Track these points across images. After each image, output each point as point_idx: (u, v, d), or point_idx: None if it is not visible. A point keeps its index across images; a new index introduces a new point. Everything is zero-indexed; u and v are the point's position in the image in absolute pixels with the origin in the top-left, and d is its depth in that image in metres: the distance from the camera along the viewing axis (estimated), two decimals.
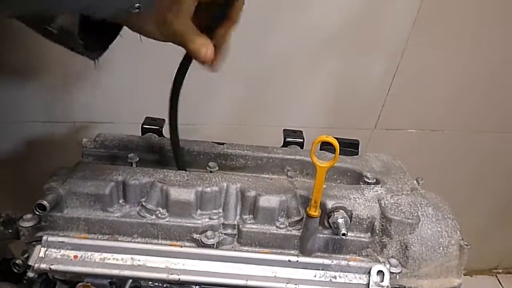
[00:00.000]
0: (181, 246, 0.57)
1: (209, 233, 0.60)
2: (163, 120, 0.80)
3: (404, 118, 1.23)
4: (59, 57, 0.98)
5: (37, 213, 0.57)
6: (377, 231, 0.62)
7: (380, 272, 0.56)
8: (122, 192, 0.62)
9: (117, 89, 1.05)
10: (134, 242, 0.60)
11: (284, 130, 0.83)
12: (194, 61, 0.56)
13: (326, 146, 0.76)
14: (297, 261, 0.56)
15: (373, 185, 0.68)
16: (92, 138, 0.74)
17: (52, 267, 0.54)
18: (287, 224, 0.61)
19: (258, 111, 1.14)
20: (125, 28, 0.53)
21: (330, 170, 0.56)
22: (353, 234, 0.62)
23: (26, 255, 0.57)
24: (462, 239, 0.62)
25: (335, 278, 0.57)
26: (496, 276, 1.76)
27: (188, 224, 0.61)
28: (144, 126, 0.78)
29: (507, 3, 1.05)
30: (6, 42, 0.95)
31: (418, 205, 0.63)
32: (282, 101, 1.13)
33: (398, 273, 0.59)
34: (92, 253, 0.55)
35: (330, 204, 0.61)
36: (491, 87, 1.20)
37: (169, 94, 0.61)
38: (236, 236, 0.62)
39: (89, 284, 0.56)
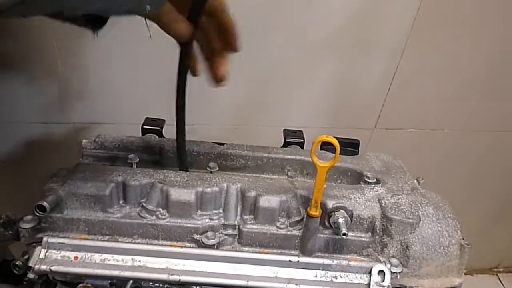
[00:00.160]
0: (182, 247, 0.57)
1: (209, 233, 0.60)
2: (163, 120, 0.80)
3: (404, 117, 1.23)
4: (59, 57, 0.98)
5: (37, 214, 0.57)
6: (378, 231, 0.62)
7: (381, 272, 0.56)
8: (122, 193, 0.62)
9: (117, 89, 1.04)
10: (135, 243, 0.60)
11: (284, 130, 0.83)
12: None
13: (326, 146, 0.76)
14: (298, 261, 0.56)
15: (373, 185, 0.68)
16: (91, 139, 0.74)
17: (53, 268, 0.54)
18: (288, 224, 0.61)
19: (258, 111, 1.14)
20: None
21: (330, 169, 0.56)
22: (353, 234, 0.62)
23: (26, 257, 0.57)
24: (463, 239, 0.62)
25: (336, 278, 0.56)
26: (497, 275, 1.76)
27: (188, 225, 0.61)
28: (144, 126, 0.78)
29: (506, 2, 1.05)
30: (6, 42, 0.95)
31: (419, 205, 0.63)
32: (282, 101, 1.13)
33: (399, 272, 0.59)
34: (93, 254, 0.55)
35: (330, 204, 0.61)
36: (490, 86, 1.20)
37: (175, 94, 0.61)
38: (237, 237, 0.62)
39: (90, 285, 0.56)
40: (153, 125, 0.78)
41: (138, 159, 0.70)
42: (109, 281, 0.56)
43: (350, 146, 0.79)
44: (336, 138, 0.53)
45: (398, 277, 0.59)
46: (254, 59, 1.03)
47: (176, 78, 0.59)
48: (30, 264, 0.54)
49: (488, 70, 1.17)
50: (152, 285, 0.57)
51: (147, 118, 0.81)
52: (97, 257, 0.55)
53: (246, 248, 0.62)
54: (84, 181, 0.61)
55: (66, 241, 0.55)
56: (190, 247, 0.60)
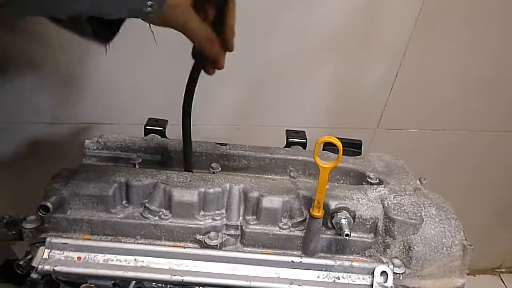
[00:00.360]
0: (184, 247, 0.57)
1: (212, 234, 0.60)
2: (166, 121, 0.80)
3: (406, 117, 1.22)
4: (60, 58, 0.98)
5: (40, 214, 0.57)
6: (380, 232, 0.62)
7: (383, 273, 0.56)
8: (125, 194, 0.62)
9: (120, 90, 1.05)
10: (137, 243, 0.60)
11: (286, 130, 0.83)
12: None
13: (329, 146, 0.76)
14: (300, 262, 0.56)
15: (376, 186, 0.68)
16: (94, 139, 0.74)
17: (56, 268, 0.54)
18: (290, 225, 0.61)
19: (261, 112, 1.14)
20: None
21: (333, 170, 0.56)
22: (356, 235, 0.62)
23: (29, 257, 0.57)
24: (466, 239, 0.62)
25: (339, 279, 0.56)
26: (499, 275, 1.75)
27: (191, 225, 0.61)
28: (147, 127, 0.78)
29: (508, 3, 1.05)
30: (9, 43, 0.95)
31: (421, 205, 0.63)
32: (284, 101, 1.13)
33: (402, 273, 0.58)
34: (96, 254, 0.55)
35: (333, 204, 0.61)
36: (492, 86, 1.20)
37: (183, 96, 0.61)
38: (239, 237, 0.62)
39: (93, 285, 0.56)
40: (155, 126, 0.78)
41: (140, 160, 0.71)
42: (112, 282, 0.57)
43: (352, 147, 0.79)
44: (338, 138, 0.53)
45: (401, 277, 0.59)
46: (256, 59, 1.03)
47: (186, 81, 0.59)
48: (33, 264, 0.54)
49: (490, 70, 1.17)
50: (155, 286, 0.57)
51: (149, 118, 0.81)
52: (100, 257, 0.55)
53: (249, 249, 0.62)
54: (87, 181, 0.61)
55: (69, 241, 0.56)
56: (192, 247, 0.60)
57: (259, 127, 1.16)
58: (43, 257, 0.55)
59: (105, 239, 0.60)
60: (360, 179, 0.73)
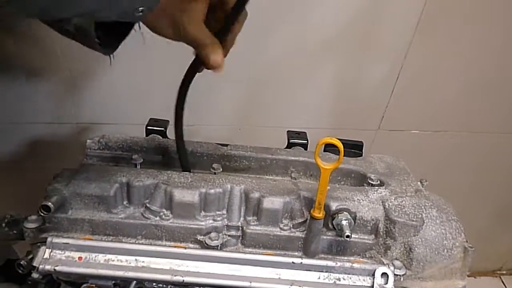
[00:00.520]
0: (185, 248, 0.57)
1: (213, 234, 0.60)
2: (167, 121, 0.80)
3: (407, 119, 1.22)
4: (62, 58, 0.98)
5: (41, 214, 0.57)
6: (381, 233, 0.62)
7: (384, 274, 0.56)
8: (126, 194, 0.62)
9: (121, 90, 1.05)
10: (138, 243, 0.60)
11: (288, 131, 0.83)
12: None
13: (330, 147, 0.76)
14: (301, 263, 0.56)
15: (377, 187, 0.68)
16: (96, 139, 0.74)
17: (57, 268, 0.54)
18: (291, 226, 0.61)
19: (261, 112, 1.14)
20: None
21: (333, 171, 0.56)
22: (357, 236, 0.62)
23: (30, 256, 0.57)
24: (467, 241, 0.62)
25: (339, 280, 0.56)
26: (500, 277, 1.75)
27: (192, 226, 0.61)
28: (148, 127, 0.78)
29: (511, 3, 1.05)
30: (10, 43, 0.95)
31: (422, 207, 0.63)
32: (285, 102, 1.13)
33: (402, 275, 0.58)
34: (97, 254, 0.56)
35: (334, 205, 0.61)
36: (494, 87, 1.20)
37: (176, 95, 0.61)
38: (240, 238, 0.62)
39: (94, 285, 0.56)
40: (157, 126, 0.79)
41: (142, 160, 0.71)
42: (113, 282, 0.57)
43: (353, 148, 0.79)
44: (339, 140, 0.53)
45: (402, 279, 0.59)
46: (257, 60, 1.03)
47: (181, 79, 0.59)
48: (34, 264, 0.54)
49: (492, 71, 1.16)
50: (155, 286, 0.57)
51: (151, 119, 0.81)
52: (101, 257, 0.55)
53: (249, 250, 0.62)
54: (88, 181, 0.61)
55: (70, 241, 0.56)
56: (193, 248, 0.60)
57: (260, 128, 1.16)
58: (44, 257, 0.55)
59: (106, 239, 0.60)
60: (361, 180, 0.73)
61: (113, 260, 0.56)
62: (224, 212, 0.63)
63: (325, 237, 0.61)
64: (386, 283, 0.55)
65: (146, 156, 0.72)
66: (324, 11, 1.00)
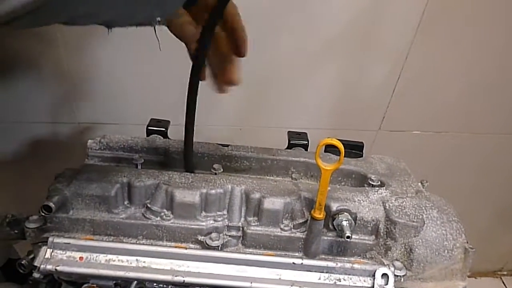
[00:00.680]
0: (186, 248, 0.57)
1: (213, 235, 0.60)
2: (168, 121, 0.80)
3: (408, 119, 1.22)
4: (64, 58, 0.98)
5: (43, 214, 0.57)
6: (382, 234, 0.62)
7: (384, 275, 0.56)
8: (127, 194, 0.62)
9: (122, 90, 1.05)
10: (139, 243, 0.60)
11: (288, 132, 0.83)
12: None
13: (330, 148, 0.76)
14: (302, 263, 0.56)
15: (377, 188, 0.68)
16: (97, 139, 0.74)
17: (58, 268, 0.54)
18: (292, 227, 0.62)
19: (262, 113, 1.14)
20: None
21: (334, 172, 0.56)
22: (357, 237, 0.62)
23: (31, 256, 0.57)
24: (467, 242, 0.62)
25: (340, 281, 0.57)
26: (501, 278, 1.75)
27: (192, 226, 0.61)
28: (149, 127, 0.78)
29: (511, 5, 1.05)
30: (11, 43, 0.95)
31: (423, 208, 0.63)
32: (286, 102, 1.13)
33: (403, 276, 0.58)
34: (98, 254, 0.56)
35: (334, 206, 0.61)
36: (495, 88, 1.20)
37: (186, 97, 0.61)
38: (241, 238, 0.62)
39: (95, 285, 0.56)
40: (158, 126, 0.79)
41: (143, 160, 0.71)
42: (114, 282, 0.57)
43: (354, 149, 0.79)
44: (340, 140, 0.53)
45: (402, 280, 0.59)
46: (258, 60, 1.04)
47: (187, 79, 0.59)
48: (35, 264, 0.54)
49: (493, 72, 1.16)
50: (156, 286, 0.57)
51: (152, 119, 0.81)
52: (102, 257, 0.56)
53: (250, 250, 0.62)
54: (90, 181, 0.61)
55: (71, 241, 0.56)
56: (194, 248, 0.60)
57: (261, 128, 1.16)
58: (46, 256, 0.55)
59: (107, 239, 0.61)
60: (361, 181, 0.73)
61: (114, 260, 0.56)
62: (225, 212, 0.63)
63: (325, 237, 0.61)
64: (387, 283, 0.56)
65: (147, 156, 0.72)
66: (325, 11, 1.00)
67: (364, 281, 0.57)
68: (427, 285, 0.61)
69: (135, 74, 1.02)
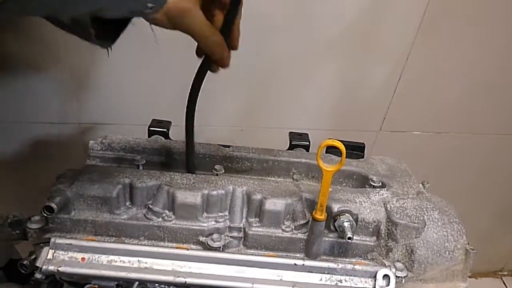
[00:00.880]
0: (188, 249, 0.58)
1: (215, 236, 0.60)
2: (170, 122, 0.80)
3: (409, 120, 1.22)
4: (65, 58, 0.98)
5: (45, 215, 0.57)
6: (383, 235, 0.62)
7: (386, 276, 0.56)
8: (129, 195, 0.62)
9: (123, 90, 1.05)
10: (141, 244, 0.60)
11: (290, 133, 0.83)
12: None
13: (331, 148, 0.76)
14: (303, 264, 0.56)
15: (378, 189, 0.68)
16: (98, 140, 0.74)
17: (60, 269, 0.54)
18: (293, 228, 0.62)
19: (263, 113, 1.14)
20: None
21: (335, 173, 0.56)
22: (358, 238, 0.62)
23: (33, 257, 0.57)
24: (468, 243, 0.62)
25: (341, 282, 0.57)
26: (501, 278, 1.75)
27: (194, 227, 0.61)
28: (151, 128, 0.79)
29: None
30: (12, 43, 0.95)
31: (424, 209, 0.63)
32: (287, 103, 1.13)
33: (404, 277, 0.59)
34: (100, 255, 0.56)
35: (336, 207, 0.61)
36: (496, 89, 1.20)
37: (187, 97, 0.61)
38: (242, 239, 0.62)
39: (96, 286, 0.56)
40: (159, 127, 0.79)
41: (144, 161, 0.71)
42: (116, 283, 0.57)
43: (355, 149, 0.79)
44: (341, 141, 0.53)
45: (403, 281, 0.59)
46: (259, 61, 1.04)
47: (188, 80, 0.59)
48: (37, 265, 0.55)
49: (494, 73, 1.16)
50: (158, 287, 0.57)
51: (153, 119, 0.81)
52: (104, 258, 0.56)
53: (251, 251, 0.62)
54: (91, 182, 0.61)
55: (73, 242, 0.56)
56: (196, 249, 0.60)
57: (262, 129, 1.16)
58: (48, 257, 0.55)
59: (109, 240, 0.61)
60: (362, 182, 0.73)
61: (116, 261, 0.56)
62: (226, 213, 0.63)
63: (327, 238, 0.61)
64: (388, 285, 0.56)
65: (149, 157, 0.73)
66: (326, 12, 1.00)
67: (365, 282, 0.57)
68: (428, 286, 0.61)
69: (137, 74, 1.02)
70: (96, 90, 1.05)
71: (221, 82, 1.02)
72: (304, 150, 0.80)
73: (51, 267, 0.54)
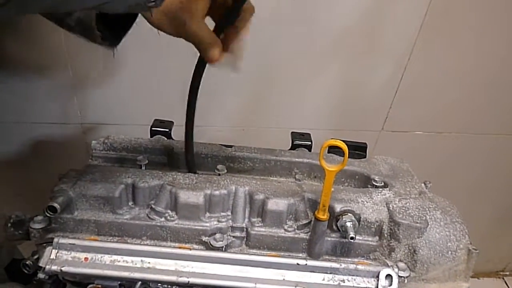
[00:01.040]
0: (190, 249, 0.58)
1: (217, 235, 0.60)
2: (172, 122, 0.80)
3: (411, 120, 1.22)
4: (67, 58, 0.98)
5: (47, 215, 0.57)
6: (385, 235, 0.62)
7: (388, 276, 0.56)
8: (132, 195, 0.62)
9: (125, 90, 1.05)
10: (144, 244, 0.60)
11: (292, 133, 0.83)
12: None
13: (334, 148, 0.76)
14: (306, 264, 0.57)
15: (381, 189, 0.68)
16: (101, 140, 0.74)
17: (63, 269, 0.54)
18: (295, 227, 0.62)
19: (266, 113, 1.14)
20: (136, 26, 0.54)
21: (338, 173, 0.56)
22: (361, 238, 0.62)
23: (36, 256, 0.57)
24: (471, 243, 0.62)
25: (344, 282, 0.57)
26: (503, 278, 1.75)
27: (197, 227, 0.61)
28: (153, 128, 0.79)
29: None
30: (14, 44, 0.95)
31: (426, 209, 0.63)
32: (289, 103, 1.13)
33: (406, 277, 0.59)
34: (102, 255, 0.56)
35: (338, 207, 0.61)
36: (497, 89, 1.20)
37: (187, 97, 0.61)
38: (245, 239, 0.62)
39: (99, 286, 0.56)
40: (161, 127, 0.79)
41: (147, 161, 0.71)
42: (119, 282, 0.57)
43: (357, 149, 0.79)
44: (343, 141, 0.53)
45: (406, 281, 0.59)
46: (261, 61, 1.04)
47: (190, 80, 0.59)
48: (40, 264, 0.55)
49: (495, 73, 1.16)
50: (160, 287, 0.57)
51: (155, 119, 0.81)
52: (107, 258, 0.56)
53: (254, 251, 0.62)
54: (94, 182, 0.61)
55: (76, 242, 0.56)
56: (198, 249, 0.60)
57: (264, 129, 1.16)
58: (51, 257, 0.55)
59: (112, 240, 0.61)
60: (365, 182, 0.73)
61: (118, 261, 0.56)
62: (229, 213, 0.63)
63: (329, 238, 0.61)
64: (390, 284, 0.56)
65: (151, 157, 0.73)
66: (328, 13, 1.00)
67: (368, 282, 0.57)
68: (430, 286, 0.61)
69: (139, 75, 1.02)
70: (98, 90, 1.05)
71: (223, 83, 1.03)
72: (306, 150, 0.80)
73: (54, 267, 0.54)
